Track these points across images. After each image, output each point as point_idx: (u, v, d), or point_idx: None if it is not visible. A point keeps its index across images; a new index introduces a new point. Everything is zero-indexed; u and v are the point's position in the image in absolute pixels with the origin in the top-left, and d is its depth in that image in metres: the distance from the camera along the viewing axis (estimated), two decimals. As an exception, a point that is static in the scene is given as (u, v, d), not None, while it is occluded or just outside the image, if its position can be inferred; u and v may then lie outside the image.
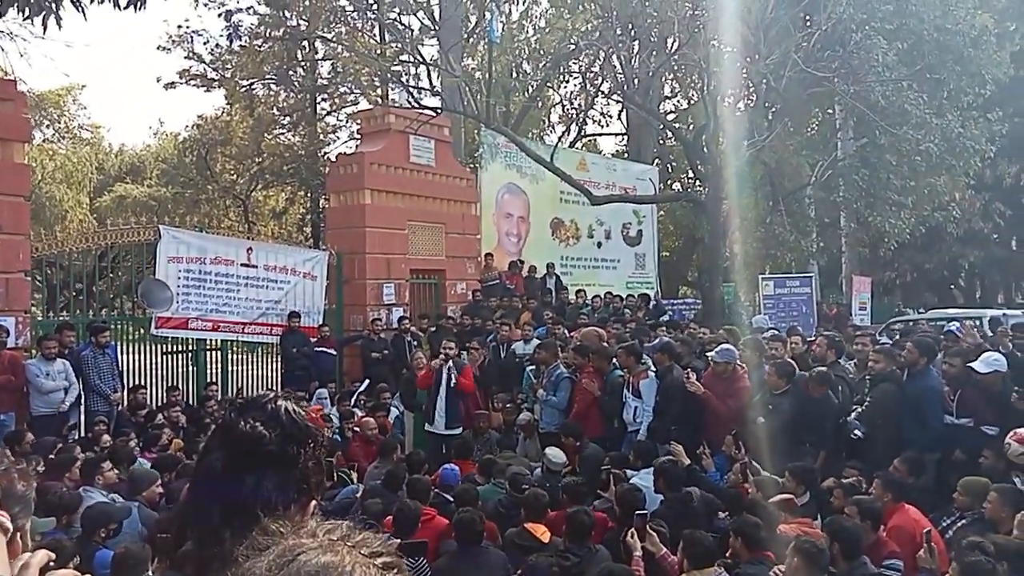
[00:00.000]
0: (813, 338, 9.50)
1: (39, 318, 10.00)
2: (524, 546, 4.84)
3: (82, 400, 8.36)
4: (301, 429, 1.31)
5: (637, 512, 4.72)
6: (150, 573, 3.74)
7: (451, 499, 5.68)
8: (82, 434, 7.93)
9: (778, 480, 5.43)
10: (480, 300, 12.69)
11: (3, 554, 0.82)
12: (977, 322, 11.08)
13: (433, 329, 11.43)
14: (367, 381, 10.25)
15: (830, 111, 17.10)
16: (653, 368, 7.34)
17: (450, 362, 8.26)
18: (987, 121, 13.88)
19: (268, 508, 1.23)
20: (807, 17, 13.38)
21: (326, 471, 1.34)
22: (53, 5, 5.86)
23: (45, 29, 5.97)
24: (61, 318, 9.70)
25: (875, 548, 4.42)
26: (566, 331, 10.26)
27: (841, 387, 6.83)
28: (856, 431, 6.22)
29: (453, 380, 8.22)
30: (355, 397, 9.69)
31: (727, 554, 4.43)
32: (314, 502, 1.30)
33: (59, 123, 28.20)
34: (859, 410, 6.42)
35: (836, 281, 21.60)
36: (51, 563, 0.93)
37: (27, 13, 5.87)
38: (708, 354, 7.48)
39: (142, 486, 5.55)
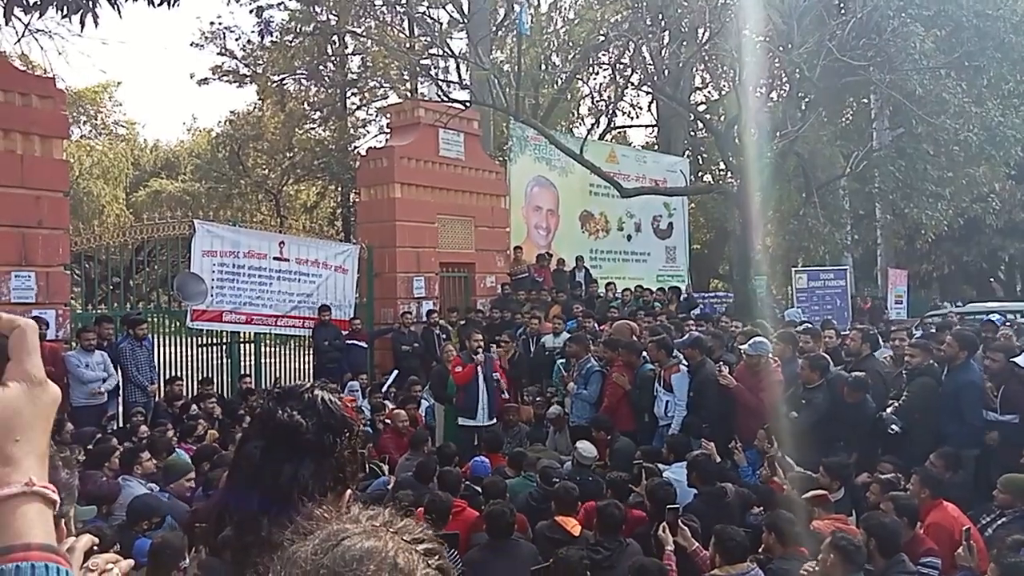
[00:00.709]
0: (847, 331, 9.37)
1: (78, 311, 10.21)
2: (554, 539, 4.84)
3: (120, 391, 8.53)
4: (338, 419, 1.33)
5: (669, 506, 4.69)
6: (187, 561, 3.81)
7: (479, 491, 5.70)
8: (120, 425, 8.10)
9: (812, 475, 5.36)
10: (509, 293, 12.70)
11: (50, 526, 0.84)
12: (1019, 316, 10.84)
13: (462, 322, 11.47)
14: (395, 371, 10.32)
15: (865, 100, 16.79)
16: (685, 362, 7.28)
17: (484, 355, 8.33)
18: (1028, 109, 13.54)
19: (305, 496, 1.24)
20: (841, 4, 13.15)
21: (361, 461, 1.35)
22: (90, 3, 5.97)
23: (83, 27, 6.09)
24: (99, 311, 9.89)
25: (912, 545, 4.35)
26: (596, 324, 10.22)
27: (876, 384, 6.70)
28: (893, 426, 6.11)
29: (495, 375, 8.28)
30: (385, 388, 9.77)
31: (760, 549, 4.39)
32: (350, 491, 1.32)
33: (96, 120, 28.74)
34: (896, 405, 6.30)
35: (871, 274, 21.24)
36: (94, 547, 0.96)
37: (65, 11, 5.98)
38: (740, 347, 7.40)
39: (173, 477, 5.64)
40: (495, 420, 8.26)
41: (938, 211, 13.86)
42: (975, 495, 5.46)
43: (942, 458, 5.48)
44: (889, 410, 6.27)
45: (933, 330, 9.67)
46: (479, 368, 8.21)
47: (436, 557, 0.90)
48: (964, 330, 7.13)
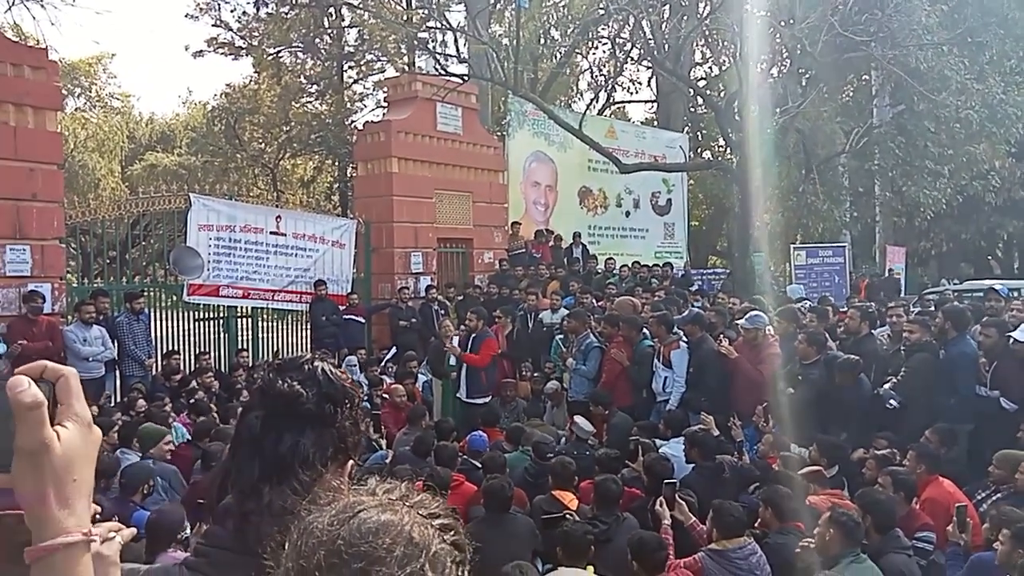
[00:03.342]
0: (844, 309, 9.37)
1: (74, 285, 10.17)
2: (552, 513, 4.86)
3: (116, 366, 8.53)
4: (338, 389, 1.32)
5: (666, 481, 4.71)
6: (188, 533, 3.82)
7: (479, 465, 5.72)
8: (118, 399, 8.10)
9: (803, 458, 5.39)
10: (507, 269, 12.67)
11: (91, 568, 0.90)
12: (1016, 293, 10.86)
13: (460, 298, 11.46)
14: (395, 348, 10.33)
15: (866, 77, 16.65)
16: (684, 339, 7.29)
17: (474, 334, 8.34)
18: (1030, 87, 13.46)
19: (306, 466, 1.25)
20: (845, -22, 12.98)
21: (363, 433, 1.35)
22: (83, -29, 5.86)
23: (75, -4, 5.97)
24: (95, 285, 9.86)
25: (908, 520, 4.38)
26: (594, 300, 10.22)
27: (874, 363, 6.71)
28: (892, 401, 6.13)
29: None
30: (383, 364, 9.79)
31: (756, 524, 4.41)
32: (351, 462, 1.32)
33: (90, 92, 28.47)
34: (894, 380, 6.32)
35: (869, 251, 21.23)
36: (97, 516, 0.97)
37: (57, -21, 5.87)
38: (737, 322, 7.40)
39: (150, 443, 5.64)
40: (486, 398, 8.26)
41: (937, 189, 13.82)
42: (968, 470, 5.49)
43: (937, 433, 5.49)
44: (887, 386, 6.28)
45: (932, 307, 9.67)
46: (467, 346, 8.26)
47: (451, 532, 0.91)
48: (955, 306, 7.12)
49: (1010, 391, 5.86)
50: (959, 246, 22.75)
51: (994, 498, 4.79)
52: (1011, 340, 5.93)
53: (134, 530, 1.40)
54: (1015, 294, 11.04)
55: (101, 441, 0.95)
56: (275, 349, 11.40)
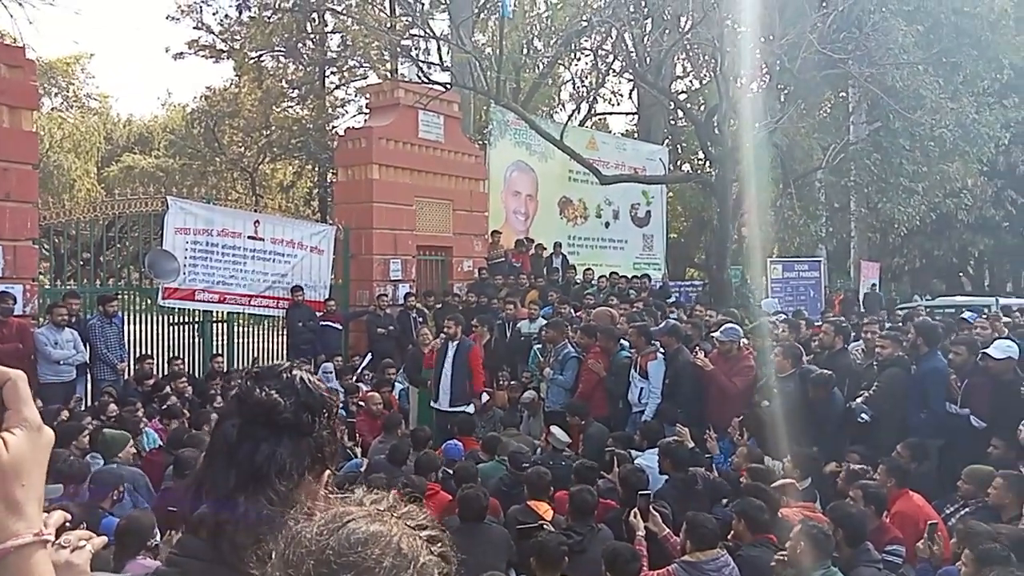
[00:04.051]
0: (819, 323, 9.47)
1: (46, 287, 10.02)
2: (527, 523, 4.85)
3: (88, 369, 8.41)
4: (316, 398, 1.31)
5: (640, 492, 4.73)
6: (157, 539, 3.77)
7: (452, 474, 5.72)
8: (88, 403, 7.98)
9: (776, 470, 5.44)
10: (486, 278, 12.67)
11: (51, 568, 0.90)
12: (986, 310, 11.06)
13: (439, 306, 11.43)
14: (369, 355, 10.27)
15: (843, 94, 16.91)
16: (661, 350, 7.33)
17: (455, 341, 8.22)
18: (1002, 107, 13.73)
19: (283, 475, 1.24)
20: (823, -2, 13.19)
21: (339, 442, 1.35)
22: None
23: (54, -5, 5.91)
24: (68, 287, 9.72)
25: (878, 533, 4.43)
26: (572, 310, 10.25)
27: (848, 378, 6.78)
28: (863, 415, 6.20)
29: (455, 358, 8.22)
30: (359, 371, 9.74)
31: (729, 536, 4.44)
32: (328, 471, 1.31)
33: (67, 92, 28.06)
34: (866, 395, 6.39)
35: (844, 266, 21.50)
36: (67, 524, 0.97)
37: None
38: (713, 334, 7.46)
39: (115, 449, 5.57)
40: (465, 406, 8.16)
41: (911, 206, 14.04)
42: (938, 485, 5.56)
43: (908, 448, 5.56)
44: (859, 400, 6.36)
45: (900, 323, 9.81)
46: (445, 352, 8.15)
47: (439, 544, 0.92)
48: (927, 321, 7.24)
49: (980, 409, 5.95)
50: (932, 262, 23.11)
51: (962, 512, 4.86)
52: (982, 357, 6.02)
53: (105, 539, 1.38)
54: (985, 310, 11.24)
55: (53, 444, 0.95)
56: (251, 355, 11.30)
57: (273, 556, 0.88)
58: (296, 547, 0.86)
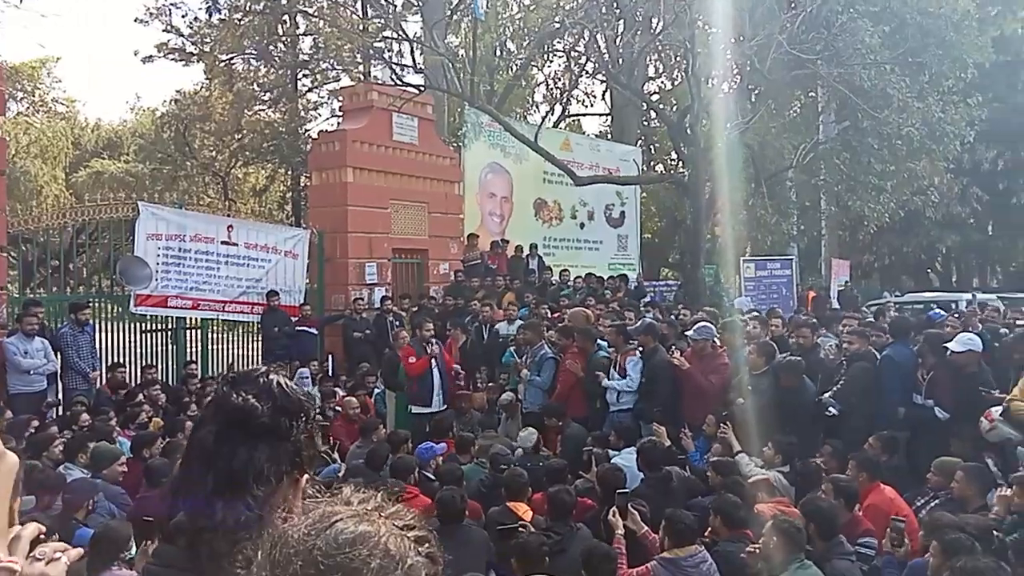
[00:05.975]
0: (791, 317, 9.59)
1: (14, 295, 9.86)
2: (506, 524, 4.87)
3: (59, 378, 8.28)
4: (293, 403, 1.32)
5: (618, 491, 4.76)
6: (133, 550, 3.73)
7: (432, 477, 5.71)
8: (60, 413, 7.86)
9: (740, 463, 5.53)
10: (462, 280, 12.67)
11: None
12: (953, 305, 11.26)
13: (415, 309, 11.41)
14: (330, 357, 10.24)
15: (812, 94, 17.13)
16: (639, 348, 7.38)
17: (436, 345, 8.26)
18: (967, 106, 13.99)
19: (260, 480, 1.24)
20: (792, -1, 13.37)
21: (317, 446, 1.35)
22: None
23: (20, -1, 5.84)
24: (37, 295, 9.57)
25: (850, 526, 4.50)
26: (548, 311, 10.28)
27: (819, 373, 6.88)
28: (831, 408, 6.30)
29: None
30: (332, 375, 9.70)
31: (706, 532, 4.49)
32: (306, 476, 1.31)
33: (33, 96, 27.61)
34: (834, 389, 6.50)
35: (815, 264, 21.79)
36: (41, 536, 0.96)
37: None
38: (687, 333, 7.53)
39: (104, 464, 5.49)
40: (447, 406, 8.22)
41: (880, 203, 14.27)
42: (906, 477, 5.66)
43: (879, 441, 5.66)
44: (827, 394, 6.46)
45: (870, 319, 9.97)
46: (434, 359, 8.16)
47: (426, 544, 0.92)
48: (896, 317, 7.37)
49: (943, 400, 6.08)
50: (901, 259, 23.51)
51: (932, 504, 4.95)
52: (948, 352, 6.14)
53: (80, 551, 1.38)
54: (953, 305, 11.45)
55: (18, 467, 0.92)
56: (226, 362, 11.19)
57: (259, 556, 0.87)
58: (283, 547, 0.85)
